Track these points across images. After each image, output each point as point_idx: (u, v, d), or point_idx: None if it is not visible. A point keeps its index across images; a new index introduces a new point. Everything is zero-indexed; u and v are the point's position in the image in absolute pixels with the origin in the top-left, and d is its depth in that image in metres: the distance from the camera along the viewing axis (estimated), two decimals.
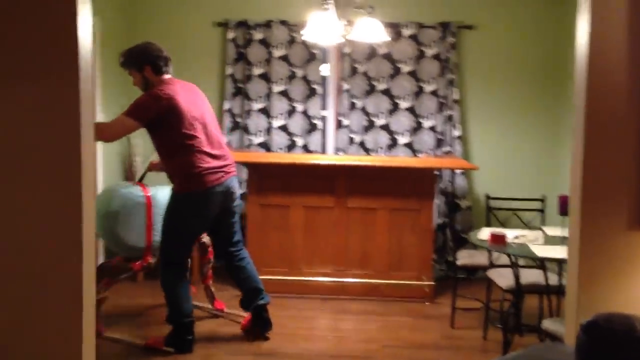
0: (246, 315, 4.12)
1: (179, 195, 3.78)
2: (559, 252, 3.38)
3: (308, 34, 4.34)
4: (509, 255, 3.68)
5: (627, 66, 2.46)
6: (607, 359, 2.05)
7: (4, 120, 2.32)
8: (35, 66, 2.30)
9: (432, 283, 4.91)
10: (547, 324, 3.20)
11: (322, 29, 4.23)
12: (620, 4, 2.43)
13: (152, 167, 4.21)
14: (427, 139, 5.64)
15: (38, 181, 2.33)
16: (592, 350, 2.11)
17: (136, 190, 4.03)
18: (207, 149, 3.76)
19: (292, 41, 5.62)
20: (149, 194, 4.03)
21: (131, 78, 3.92)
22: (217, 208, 3.84)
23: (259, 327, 4.06)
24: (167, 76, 3.85)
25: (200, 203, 3.76)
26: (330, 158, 5.39)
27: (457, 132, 5.59)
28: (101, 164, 5.23)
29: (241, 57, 5.69)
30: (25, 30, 2.29)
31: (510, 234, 3.81)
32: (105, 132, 3.61)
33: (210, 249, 4.29)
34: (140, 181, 4.26)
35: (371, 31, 4.40)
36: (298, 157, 5.24)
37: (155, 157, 4.13)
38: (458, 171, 5.57)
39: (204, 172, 3.72)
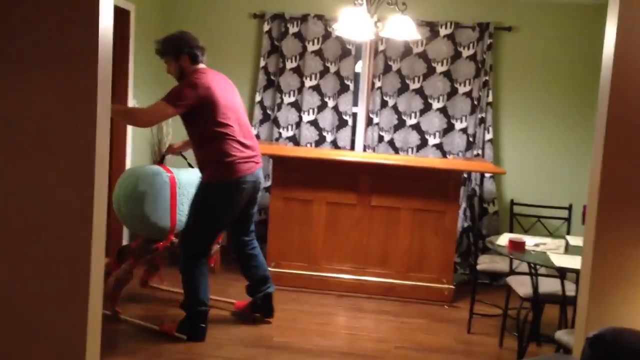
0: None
1: (211, 184, 3.77)
2: (578, 262, 3.28)
3: (340, 29, 4.32)
4: (528, 263, 3.60)
5: None
6: None
7: (21, 104, 2.36)
8: (54, 51, 2.34)
9: (452, 286, 4.85)
10: (561, 335, 3.12)
11: (353, 24, 4.21)
12: None
13: (171, 151, 4.28)
14: (458, 141, 5.56)
15: (51, 164, 2.37)
16: None
17: (161, 171, 4.08)
18: (240, 138, 3.80)
19: (326, 36, 5.61)
20: (172, 175, 4.08)
21: (164, 66, 3.96)
22: (247, 198, 3.87)
23: (263, 313, 4.16)
24: (201, 66, 3.90)
25: (232, 192, 3.79)
26: (355, 155, 5.37)
27: (488, 135, 5.50)
28: (130, 148, 5.31)
29: (275, 50, 5.71)
30: (46, 15, 2.33)
31: (531, 242, 3.73)
32: (143, 118, 3.68)
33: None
34: (161, 163, 4.31)
35: (403, 29, 4.35)
36: (323, 152, 5.23)
37: (174, 142, 4.21)
38: (487, 175, 5.48)
39: (238, 161, 3.76)
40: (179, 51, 3.83)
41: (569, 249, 3.73)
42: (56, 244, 2.38)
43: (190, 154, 4.13)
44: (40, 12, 2.34)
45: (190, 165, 4.38)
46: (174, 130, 5.77)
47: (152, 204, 3.97)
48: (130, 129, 5.26)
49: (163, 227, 4.04)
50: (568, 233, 4.43)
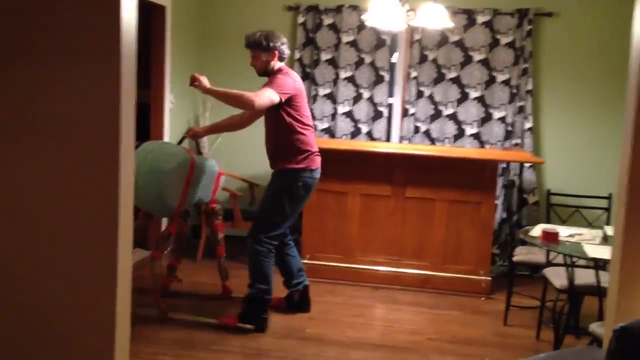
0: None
1: (292, 172, 3.90)
2: None
3: (370, 19, 4.29)
4: (563, 255, 3.51)
5: None
6: None
7: (44, 99, 2.43)
8: (77, 46, 2.39)
9: (489, 278, 4.77)
10: (594, 327, 3.03)
11: (385, 13, 4.17)
12: None
13: (191, 134, 4.36)
14: (496, 130, 5.46)
15: (76, 159, 2.42)
16: (621, 357, 2.00)
17: (184, 153, 4.10)
18: (313, 133, 4.05)
19: (361, 26, 5.57)
20: (193, 159, 4.11)
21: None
22: (314, 188, 4.04)
23: (301, 307, 4.22)
24: (282, 64, 4.02)
25: (310, 181, 3.95)
26: (389, 146, 5.32)
27: (528, 124, 5.37)
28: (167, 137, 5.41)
29: (310, 42, 5.71)
30: (67, 11, 2.39)
31: (565, 232, 3.64)
32: (253, 101, 3.69)
33: (220, 217, 4.47)
34: (180, 144, 4.36)
35: (435, 17, 4.29)
36: (357, 144, 5.21)
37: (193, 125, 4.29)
38: (527, 165, 5.36)
39: (316, 154, 4.00)
40: (271, 47, 3.95)
41: (607, 240, 3.62)
42: (83, 240, 2.43)
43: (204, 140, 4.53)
44: (61, 8, 2.39)
45: (200, 152, 4.51)
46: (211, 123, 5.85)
47: (172, 184, 3.96)
48: (167, 122, 5.36)
49: (171, 207, 4.02)
50: (608, 223, 4.29)
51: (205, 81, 3.76)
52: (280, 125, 3.90)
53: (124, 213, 2.46)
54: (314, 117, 5.70)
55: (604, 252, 3.28)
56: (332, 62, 5.66)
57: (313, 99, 5.69)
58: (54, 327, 2.48)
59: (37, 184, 2.45)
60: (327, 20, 5.64)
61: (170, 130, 5.43)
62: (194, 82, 3.78)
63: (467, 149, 5.30)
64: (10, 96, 2.43)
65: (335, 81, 5.67)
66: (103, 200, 2.42)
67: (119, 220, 2.43)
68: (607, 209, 4.37)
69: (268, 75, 3.96)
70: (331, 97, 5.70)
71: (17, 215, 2.47)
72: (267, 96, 3.73)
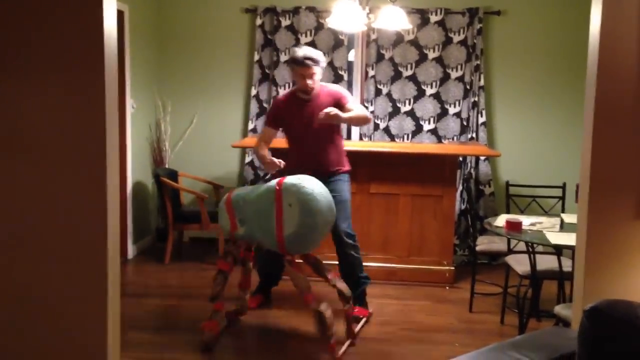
0: None
1: (348, 174, 4.24)
2: (573, 239, 3.39)
3: (333, 22, 4.40)
4: (525, 242, 3.72)
5: (636, 56, 2.47)
6: (607, 344, 2.10)
7: (32, 109, 2.44)
8: (62, 57, 2.42)
9: (453, 268, 4.97)
10: (559, 309, 3.24)
11: (346, 16, 4.29)
12: None
13: (333, 114, 3.93)
14: (452, 125, 5.66)
15: (64, 168, 2.45)
16: (593, 336, 2.16)
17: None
18: None
19: (319, 27, 5.69)
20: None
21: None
22: None
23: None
24: None
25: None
26: (353, 144, 5.45)
27: (482, 119, 5.60)
28: (130, 150, 5.39)
29: (269, 43, 5.78)
30: (52, 21, 2.41)
31: (527, 221, 3.84)
32: (369, 119, 4.31)
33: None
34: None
35: (394, 19, 4.43)
36: None
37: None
38: (482, 158, 5.59)
39: None
40: (323, 65, 4.19)
41: (564, 227, 3.85)
42: (72, 246, 2.47)
43: None
44: (45, 19, 2.41)
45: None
46: (172, 127, 5.87)
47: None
48: (129, 127, 5.34)
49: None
50: (563, 211, 4.54)
51: (339, 113, 3.93)
52: (334, 133, 4.17)
53: (111, 219, 2.51)
54: None
55: (564, 239, 3.50)
56: None
57: (274, 99, 5.75)
58: (48, 334, 2.50)
59: (24, 192, 2.46)
60: (285, 22, 5.72)
61: (132, 134, 5.42)
62: (330, 118, 3.88)
63: (428, 145, 5.49)
64: None
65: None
66: (91, 206, 2.46)
67: (108, 226, 2.48)
68: (562, 198, 4.62)
69: (310, 93, 4.10)
70: None
71: (6, 224, 2.48)
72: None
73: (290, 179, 3.57)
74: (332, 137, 4.18)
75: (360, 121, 4.23)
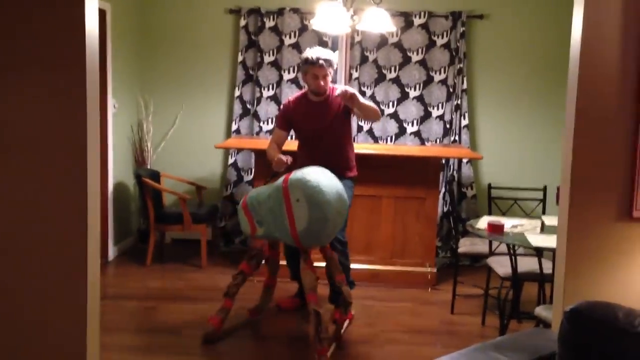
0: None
1: (353, 180, 4.22)
2: (554, 241, 3.42)
3: (317, 24, 4.40)
4: (507, 244, 3.74)
5: (618, 60, 2.50)
6: (587, 346, 2.12)
7: (13, 108, 2.41)
8: (42, 56, 2.39)
9: (435, 270, 4.99)
10: (540, 311, 3.26)
11: (330, 18, 4.30)
12: None
13: (349, 94, 3.88)
14: (435, 128, 5.69)
15: (44, 168, 2.43)
16: (573, 337, 2.18)
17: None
18: None
19: (303, 29, 5.69)
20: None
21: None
22: None
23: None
24: None
25: None
26: None
27: (464, 122, 5.63)
28: (112, 151, 5.35)
29: (253, 45, 5.77)
30: (33, 20, 2.38)
31: (509, 223, 3.87)
32: (379, 114, 4.19)
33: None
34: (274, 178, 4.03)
35: (379, 21, 4.45)
36: None
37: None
38: (464, 160, 5.62)
39: None
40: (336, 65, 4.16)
41: (544, 229, 3.88)
42: (51, 247, 2.44)
43: None
44: (26, 17, 2.39)
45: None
46: (154, 127, 5.83)
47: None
48: (111, 127, 5.30)
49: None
50: (543, 213, 4.58)
51: (356, 94, 3.89)
52: (346, 135, 4.20)
53: (92, 220, 2.48)
54: (258, 119, 5.78)
55: (545, 241, 3.53)
56: (275, 64, 5.75)
57: (257, 100, 5.76)
58: (28, 337, 2.47)
59: (2, 192, 2.43)
60: (269, 23, 5.71)
61: (114, 134, 5.37)
62: (347, 97, 3.83)
63: (411, 147, 5.51)
64: None
65: (279, 83, 5.76)
66: (71, 206, 2.44)
67: (88, 227, 2.46)
68: (543, 200, 4.66)
69: (322, 94, 4.08)
70: (275, 99, 5.78)
71: None
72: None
73: (295, 174, 3.59)
74: (342, 141, 4.18)
75: (373, 113, 4.09)
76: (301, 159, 4.16)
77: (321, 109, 4.10)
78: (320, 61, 3.98)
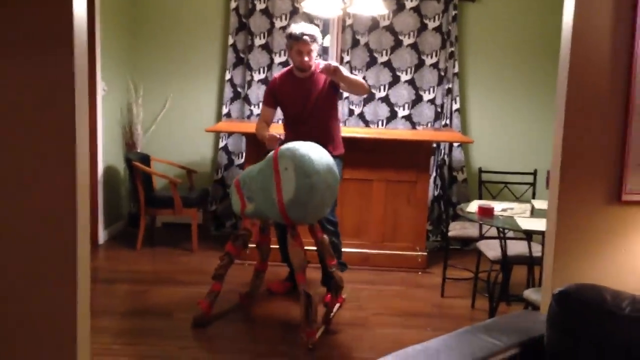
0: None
1: (342, 157, 4.20)
2: (543, 224, 3.44)
3: (308, 6, 4.37)
4: (497, 228, 3.76)
5: (609, 45, 2.50)
6: (575, 328, 2.14)
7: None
8: (28, 37, 2.36)
9: (425, 254, 5.01)
10: (529, 294, 3.29)
11: (322, 1, 4.27)
12: None
13: (333, 67, 3.86)
14: (426, 112, 5.68)
15: (32, 151, 2.40)
16: (561, 319, 2.19)
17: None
18: None
19: (294, 12, 5.64)
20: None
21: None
22: None
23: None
24: None
25: None
26: None
27: (455, 105, 5.63)
28: (101, 134, 5.31)
29: (243, 27, 5.73)
30: (20, 2, 2.35)
31: (499, 207, 3.88)
32: (368, 88, 4.18)
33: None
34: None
35: (370, 4, 4.42)
36: None
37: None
38: (455, 144, 5.62)
39: None
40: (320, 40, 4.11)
41: (534, 213, 3.89)
42: (40, 231, 2.42)
43: None
44: (13, 1, 2.35)
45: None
46: (144, 111, 5.79)
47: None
48: (100, 110, 5.26)
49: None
50: (533, 197, 4.60)
51: (339, 67, 3.86)
52: (334, 111, 4.17)
53: (81, 203, 2.46)
54: (249, 102, 5.75)
55: (535, 224, 3.54)
56: (266, 47, 5.71)
57: (248, 84, 5.72)
58: (18, 322, 2.46)
59: None
60: (260, 5, 5.66)
61: (103, 118, 5.33)
62: (330, 71, 3.79)
63: (402, 131, 5.51)
64: None
65: (269, 66, 5.72)
66: (59, 190, 2.42)
67: (77, 210, 2.44)
68: (533, 184, 4.68)
69: (307, 70, 4.04)
70: (266, 82, 5.72)
71: None
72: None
73: (286, 145, 3.59)
74: (329, 119, 4.16)
75: (358, 87, 4.06)
76: (287, 136, 4.11)
77: (307, 85, 4.08)
78: (305, 36, 3.95)
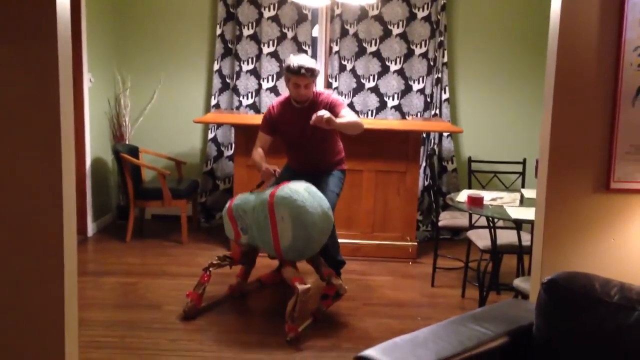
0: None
1: (344, 171, 4.22)
2: (533, 213, 3.44)
3: None
4: (486, 217, 3.77)
5: (597, 33, 2.49)
6: (564, 316, 2.15)
7: None
8: (11, 27, 2.32)
9: (416, 243, 5.02)
10: (518, 282, 3.30)
11: None
12: None
13: (325, 118, 3.76)
14: (416, 102, 5.67)
15: (16, 143, 2.37)
16: (550, 307, 2.20)
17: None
18: None
19: (282, 1, 5.60)
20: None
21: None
22: None
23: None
24: None
25: None
26: None
27: (445, 95, 5.62)
28: (88, 126, 5.27)
29: (231, 17, 5.69)
30: None
31: (488, 196, 3.89)
32: (362, 125, 4.04)
33: None
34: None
35: None
36: None
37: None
38: (445, 134, 5.62)
39: None
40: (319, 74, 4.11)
41: (523, 202, 3.90)
42: (25, 223, 2.40)
43: None
44: None
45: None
46: (132, 102, 5.75)
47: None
48: (87, 102, 5.22)
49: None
50: (523, 186, 4.61)
51: (332, 118, 3.77)
52: (335, 134, 4.12)
53: (67, 195, 2.44)
54: (238, 93, 5.72)
55: (524, 213, 3.55)
56: (254, 38, 5.67)
57: (237, 75, 5.69)
58: (4, 314, 2.44)
59: None
60: None
61: (90, 109, 5.29)
62: (323, 122, 3.73)
63: (392, 121, 5.50)
64: None
65: (258, 56, 5.69)
66: (45, 183, 2.39)
67: (63, 202, 2.42)
68: (522, 173, 4.68)
69: (303, 103, 4.01)
70: (255, 73, 5.71)
71: None
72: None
73: (281, 191, 3.61)
74: (328, 142, 4.13)
75: (353, 128, 3.98)
76: (289, 157, 4.19)
77: (304, 115, 3.95)
78: (302, 70, 3.86)
